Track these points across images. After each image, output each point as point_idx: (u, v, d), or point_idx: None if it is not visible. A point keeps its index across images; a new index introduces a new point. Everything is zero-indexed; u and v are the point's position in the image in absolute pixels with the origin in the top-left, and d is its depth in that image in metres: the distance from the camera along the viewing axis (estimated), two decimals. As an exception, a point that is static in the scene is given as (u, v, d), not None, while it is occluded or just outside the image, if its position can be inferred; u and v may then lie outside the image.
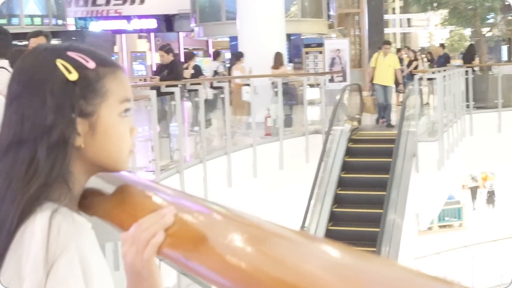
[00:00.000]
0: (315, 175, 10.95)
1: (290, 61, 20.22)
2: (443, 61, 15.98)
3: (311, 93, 15.01)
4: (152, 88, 9.19)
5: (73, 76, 1.20)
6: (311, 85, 15.70)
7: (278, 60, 13.62)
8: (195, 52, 22.42)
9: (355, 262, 0.85)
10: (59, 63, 1.21)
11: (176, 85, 9.39)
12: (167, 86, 9.33)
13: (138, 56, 25.76)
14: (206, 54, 25.67)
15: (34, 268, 1.08)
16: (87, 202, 1.27)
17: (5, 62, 4.81)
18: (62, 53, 1.23)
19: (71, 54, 1.23)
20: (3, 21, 17.04)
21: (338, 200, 11.20)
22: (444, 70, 13.58)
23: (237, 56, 13.03)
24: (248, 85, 12.25)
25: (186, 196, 1.17)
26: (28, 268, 1.09)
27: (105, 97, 1.22)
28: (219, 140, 11.27)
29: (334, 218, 10.96)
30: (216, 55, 15.95)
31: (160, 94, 9.17)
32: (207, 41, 26.14)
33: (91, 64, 1.22)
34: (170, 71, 10.18)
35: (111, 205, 1.24)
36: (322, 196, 11.03)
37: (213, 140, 11.46)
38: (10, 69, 4.81)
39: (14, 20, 17.65)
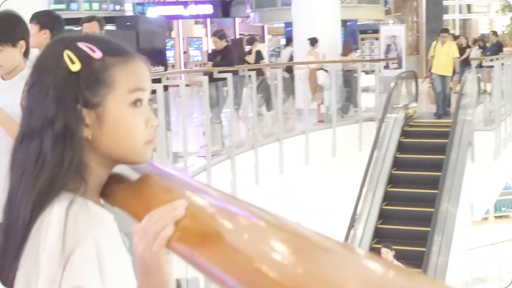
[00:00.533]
0: (368, 162, 10.87)
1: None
2: (495, 49, 15.54)
3: (366, 80, 14.89)
4: (205, 74, 9.23)
5: (76, 66, 1.19)
6: (366, 72, 15.55)
7: (347, 48, 13.71)
8: (249, 38, 22.45)
9: (395, 281, 0.81)
10: (66, 53, 1.20)
11: (228, 71, 9.41)
12: (220, 72, 9.36)
13: (194, 41, 25.90)
14: (262, 40, 25.61)
15: (50, 258, 1.09)
16: (109, 191, 1.26)
17: None
18: (72, 44, 1.22)
19: (80, 44, 1.22)
20: (62, 6, 17.28)
21: (392, 181, 11.12)
22: (497, 59, 13.26)
23: (312, 41, 13.00)
24: (324, 69, 12.32)
25: (208, 190, 1.13)
26: (44, 258, 1.10)
27: (112, 87, 1.20)
28: (272, 126, 11.26)
29: (387, 205, 10.89)
30: (289, 41, 15.94)
31: (212, 80, 9.21)
32: (262, 27, 26.09)
33: (97, 54, 1.21)
34: (223, 57, 10.20)
35: (129, 195, 1.22)
36: (375, 184, 10.94)
37: (266, 126, 11.46)
38: None
39: (73, 6, 17.87)
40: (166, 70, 10.72)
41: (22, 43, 3.44)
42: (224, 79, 9.24)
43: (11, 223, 1.19)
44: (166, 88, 8.26)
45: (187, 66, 24.32)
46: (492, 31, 18.69)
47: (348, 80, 13.05)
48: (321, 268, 0.85)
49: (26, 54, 3.48)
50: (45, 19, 4.61)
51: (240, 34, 26.01)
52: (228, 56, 10.26)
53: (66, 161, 1.17)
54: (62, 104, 1.18)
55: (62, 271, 1.07)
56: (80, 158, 1.19)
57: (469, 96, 12.04)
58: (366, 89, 14.10)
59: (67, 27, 8.81)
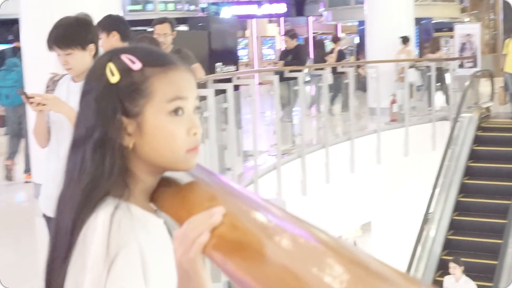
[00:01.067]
0: (441, 163, 10.71)
1: (420, 45, 19.75)
2: None
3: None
4: (276, 73, 9.28)
5: (115, 78, 1.24)
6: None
7: (435, 45, 13.56)
8: (321, 36, 22.40)
9: None
10: (108, 66, 1.25)
11: (299, 70, 9.44)
12: (291, 71, 9.39)
13: (268, 40, 26.01)
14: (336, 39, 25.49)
15: (94, 263, 1.13)
16: (157, 195, 1.29)
17: None
18: (115, 56, 1.27)
19: (122, 56, 1.26)
20: (138, 7, 17.59)
21: (464, 190, 10.87)
22: None
23: (404, 40, 12.90)
24: (416, 68, 12.23)
25: (256, 200, 1.13)
26: (90, 263, 1.14)
27: (150, 97, 1.24)
28: (344, 125, 11.23)
29: (459, 207, 10.67)
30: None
31: (283, 79, 9.27)
32: (335, 25, 25.97)
33: (136, 66, 1.25)
34: (294, 56, 10.23)
35: (174, 200, 1.24)
36: (448, 185, 10.76)
37: (338, 125, 11.45)
38: None
39: (149, 6, 18.17)
40: (237, 69, 10.84)
41: (92, 46, 3.51)
42: (295, 78, 9.27)
43: (58, 229, 1.25)
44: (237, 87, 8.36)
45: (260, 65, 24.45)
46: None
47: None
48: None
49: (95, 57, 3.57)
50: (107, 22, 4.75)
51: (313, 33, 25.97)
52: (299, 55, 10.29)
53: (106, 169, 1.21)
54: (101, 114, 1.23)
55: (106, 275, 1.11)
56: (121, 166, 1.23)
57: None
58: (440, 88, 13.90)
59: (142, 28, 9.01)
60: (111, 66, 1.25)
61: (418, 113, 12.47)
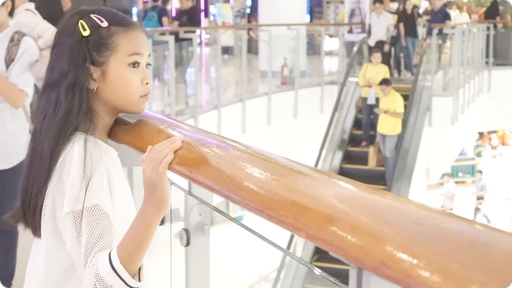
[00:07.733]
0: (327, 127, 11.09)
1: (310, 11, 20.12)
2: (440, 16, 14.36)
3: (330, 44, 15.09)
4: (171, 33, 9.30)
5: (86, 32, 1.54)
6: (331, 36, 15.71)
7: None
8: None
9: (363, 194, 1.08)
10: (80, 22, 1.54)
11: (194, 31, 9.49)
12: (186, 32, 9.43)
13: None
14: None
15: (73, 183, 1.44)
16: (114, 132, 1.65)
17: (31, 5, 4.98)
18: (86, 15, 1.57)
19: (92, 15, 1.56)
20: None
21: (347, 156, 11.34)
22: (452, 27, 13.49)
23: None
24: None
25: (191, 129, 1.57)
26: (69, 183, 1.45)
27: (114, 50, 1.54)
28: (235, 87, 11.39)
29: (346, 157, 11.14)
30: None
31: (178, 40, 9.30)
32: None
33: (104, 24, 1.55)
34: (189, 17, 10.26)
35: (131, 135, 1.61)
36: (333, 151, 11.18)
37: (229, 87, 11.59)
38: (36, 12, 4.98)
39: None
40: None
41: (8, 2, 3.67)
42: (190, 39, 9.32)
43: (34, 156, 1.54)
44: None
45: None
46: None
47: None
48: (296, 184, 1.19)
49: (11, 13, 3.71)
50: None
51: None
52: (194, 16, 10.32)
53: (76, 106, 1.52)
54: (74, 62, 1.53)
55: (84, 192, 1.42)
56: (87, 105, 1.54)
57: (429, 63, 12.32)
58: (329, 53, 14.31)
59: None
60: (83, 22, 1.54)
61: (308, 77, 12.82)
